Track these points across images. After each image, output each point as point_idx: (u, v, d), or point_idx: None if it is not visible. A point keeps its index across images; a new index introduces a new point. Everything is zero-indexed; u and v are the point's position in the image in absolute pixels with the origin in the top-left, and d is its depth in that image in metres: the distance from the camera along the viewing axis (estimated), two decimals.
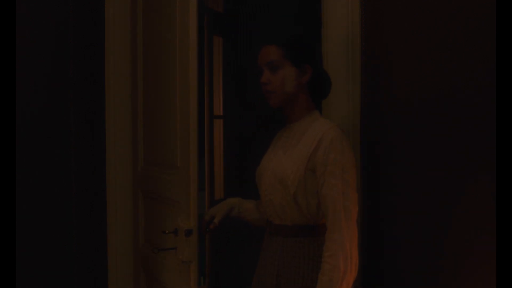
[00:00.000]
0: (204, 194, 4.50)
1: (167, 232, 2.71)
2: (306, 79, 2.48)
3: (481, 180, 2.60)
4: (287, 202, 2.43)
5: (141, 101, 3.30)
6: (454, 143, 2.64)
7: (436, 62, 2.68)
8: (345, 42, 2.87)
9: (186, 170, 2.66)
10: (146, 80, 3.23)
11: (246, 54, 4.80)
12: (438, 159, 2.68)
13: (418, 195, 2.72)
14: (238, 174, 4.77)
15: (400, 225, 2.77)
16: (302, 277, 2.40)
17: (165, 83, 2.91)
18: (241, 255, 4.15)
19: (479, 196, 2.60)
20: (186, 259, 2.62)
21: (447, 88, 2.66)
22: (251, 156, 3.07)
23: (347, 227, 2.33)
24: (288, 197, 2.42)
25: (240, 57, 4.85)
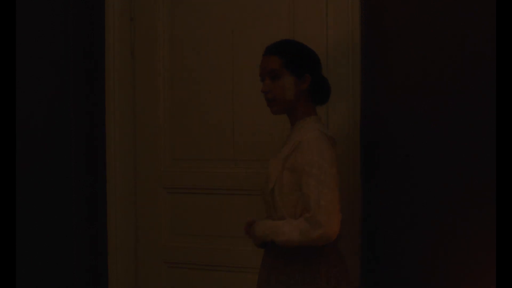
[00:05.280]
0: None
1: None
2: (305, 87, 2.56)
3: (482, 179, 2.61)
4: (268, 198, 2.57)
5: (166, 105, 3.35)
6: (454, 143, 2.65)
7: (436, 62, 2.70)
8: (346, 44, 2.89)
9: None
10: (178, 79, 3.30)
11: None
12: (438, 158, 2.69)
13: (418, 196, 2.73)
14: None
15: (399, 226, 2.78)
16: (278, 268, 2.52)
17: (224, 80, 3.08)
18: None
19: (480, 195, 2.61)
20: None
21: (446, 89, 2.67)
22: None
23: (326, 225, 2.38)
24: (268, 193, 2.55)
25: None
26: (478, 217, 2.62)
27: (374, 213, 2.82)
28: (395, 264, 2.78)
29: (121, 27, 3.41)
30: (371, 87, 2.84)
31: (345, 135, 2.89)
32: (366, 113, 2.86)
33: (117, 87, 3.41)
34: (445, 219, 2.69)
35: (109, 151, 3.41)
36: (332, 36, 2.94)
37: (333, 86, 2.87)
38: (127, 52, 3.41)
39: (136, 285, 3.44)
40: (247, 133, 3.13)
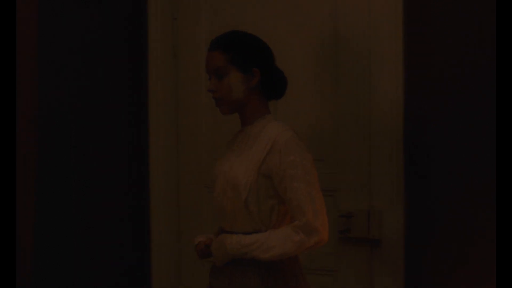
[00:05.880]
0: None
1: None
2: (255, 82, 2.39)
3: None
4: (238, 208, 2.34)
5: (207, 104, 3.27)
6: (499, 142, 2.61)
7: (479, 58, 2.66)
8: (388, 37, 2.83)
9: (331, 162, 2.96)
10: None
11: None
12: (482, 157, 2.65)
13: (461, 194, 2.71)
14: None
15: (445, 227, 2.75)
16: (253, 285, 2.33)
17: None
18: None
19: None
20: (374, 237, 2.83)
21: (487, 84, 2.63)
22: None
23: (322, 230, 2.26)
24: (239, 203, 2.33)
25: None
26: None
27: (416, 215, 2.80)
28: (439, 263, 2.75)
29: (164, 27, 3.43)
30: (414, 84, 2.81)
31: (388, 132, 2.84)
32: (409, 111, 2.80)
33: (160, 87, 3.45)
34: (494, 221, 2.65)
35: (152, 151, 3.45)
36: (377, 30, 2.87)
37: (375, 83, 2.85)
38: (169, 52, 3.44)
39: (179, 283, 3.48)
40: None
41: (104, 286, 3.36)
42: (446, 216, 2.73)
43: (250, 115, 2.43)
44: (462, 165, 2.69)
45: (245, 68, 2.37)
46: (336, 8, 2.96)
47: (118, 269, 3.44)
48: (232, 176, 2.36)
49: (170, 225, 3.47)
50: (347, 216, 2.86)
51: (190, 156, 3.42)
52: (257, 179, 2.32)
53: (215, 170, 2.50)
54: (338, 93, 2.95)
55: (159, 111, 3.45)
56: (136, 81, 3.47)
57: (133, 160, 3.49)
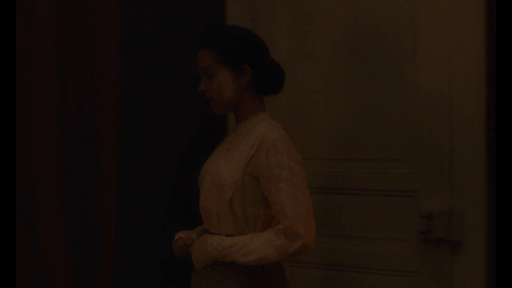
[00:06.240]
0: None
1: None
2: (246, 80, 2.32)
3: None
4: (222, 208, 2.27)
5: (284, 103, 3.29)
6: None
7: None
8: (470, 33, 2.77)
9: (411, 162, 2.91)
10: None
11: None
12: None
13: None
14: None
15: None
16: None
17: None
18: None
19: None
20: (455, 238, 2.78)
21: None
22: None
23: (306, 235, 2.15)
24: (223, 203, 2.26)
25: None
26: None
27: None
28: None
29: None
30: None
31: (470, 131, 2.79)
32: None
33: None
34: None
35: None
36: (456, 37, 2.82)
37: (456, 77, 2.80)
38: None
39: None
40: (359, 132, 3.09)
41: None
42: None
43: (243, 112, 2.38)
44: None
45: (234, 66, 2.31)
46: (416, 5, 2.93)
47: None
48: (218, 175, 2.29)
49: None
50: (428, 217, 2.82)
51: None
52: (243, 178, 2.25)
53: (202, 170, 2.44)
54: (419, 93, 2.91)
55: None
56: None
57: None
